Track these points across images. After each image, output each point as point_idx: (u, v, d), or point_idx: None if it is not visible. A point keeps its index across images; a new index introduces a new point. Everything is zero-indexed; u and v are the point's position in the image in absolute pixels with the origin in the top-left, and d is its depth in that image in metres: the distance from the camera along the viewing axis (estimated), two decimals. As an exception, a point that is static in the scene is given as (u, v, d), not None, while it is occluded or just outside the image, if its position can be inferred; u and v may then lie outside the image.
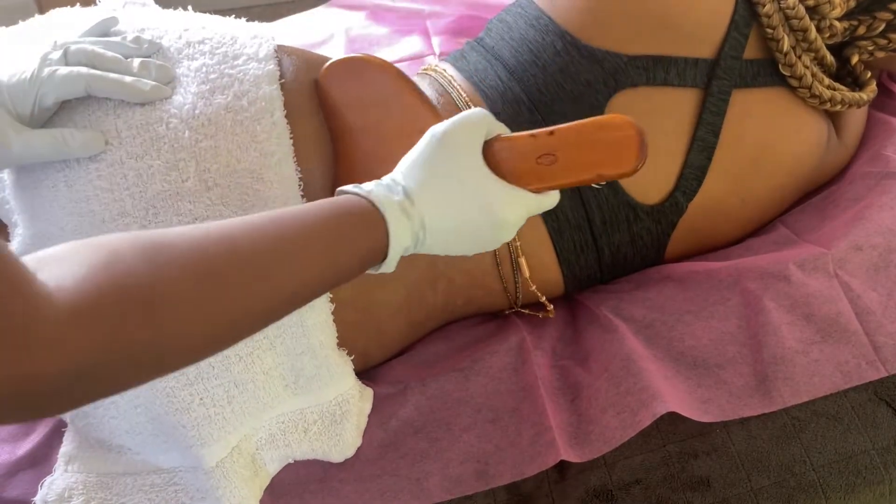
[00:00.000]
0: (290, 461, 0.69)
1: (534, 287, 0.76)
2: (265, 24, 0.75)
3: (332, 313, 0.66)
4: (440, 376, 0.73)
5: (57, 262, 0.37)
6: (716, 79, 0.76)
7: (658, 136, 0.75)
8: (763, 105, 0.79)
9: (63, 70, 0.60)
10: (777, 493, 0.66)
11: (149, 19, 0.70)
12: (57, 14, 0.71)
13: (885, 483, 0.67)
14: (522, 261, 0.75)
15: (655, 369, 0.69)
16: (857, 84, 0.86)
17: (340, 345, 0.68)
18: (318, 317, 0.65)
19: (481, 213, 0.55)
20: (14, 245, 0.62)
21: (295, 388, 0.66)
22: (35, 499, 0.63)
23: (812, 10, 0.80)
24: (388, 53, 1.12)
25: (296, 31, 1.17)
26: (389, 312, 0.72)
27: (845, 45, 0.85)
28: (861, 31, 0.83)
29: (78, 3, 0.75)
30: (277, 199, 0.63)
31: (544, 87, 0.75)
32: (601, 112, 0.74)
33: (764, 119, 0.78)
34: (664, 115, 0.76)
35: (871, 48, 0.84)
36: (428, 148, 0.55)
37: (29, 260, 0.37)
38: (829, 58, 0.82)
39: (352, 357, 0.69)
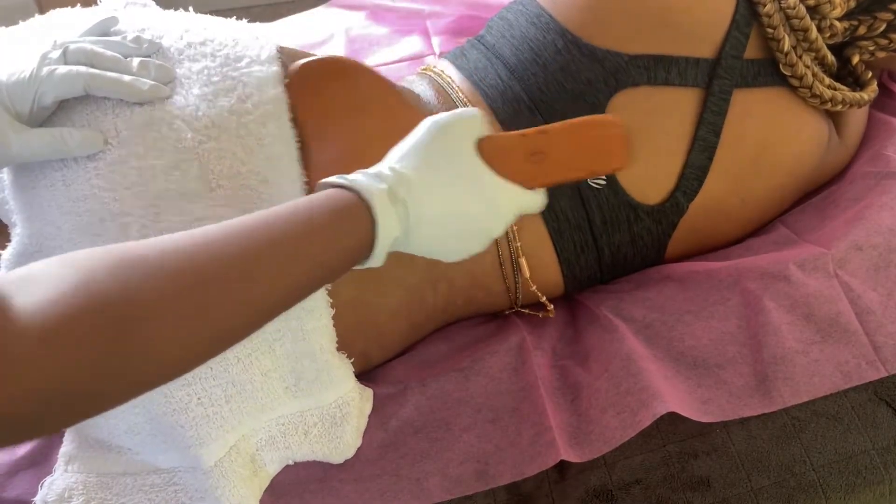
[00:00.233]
0: (291, 462, 0.69)
1: (534, 287, 0.76)
2: (266, 25, 0.75)
3: (332, 318, 0.66)
4: (440, 376, 0.72)
5: (34, 284, 0.37)
6: (717, 78, 0.76)
7: (659, 135, 0.75)
8: (764, 105, 0.79)
9: (62, 69, 0.59)
10: (777, 493, 0.66)
11: (149, 20, 0.70)
12: (57, 14, 0.71)
13: (885, 483, 0.67)
14: (523, 261, 0.75)
15: (655, 369, 0.69)
16: (857, 84, 0.86)
17: (340, 347, 0.67)
18: (317, 321, 0.64)
19: (476, 200, 0.55)
20: (13, 245, 0.62)
21: (295, 390, 0.66)
22: (35, 499, 0.63)
23: (812, 10, 0.80)
24: (388, 53, 1.12)
25: (296, 31, 1.17)
26: (390, 314, 0.72)
27: (846, 45, 0.85)
28: (862, 31, 0.83)
29: (78, 3, 0.75)
30: (283, 201, 0.63)
31: (545, 85, 0.75)
32: (602, 111, 0.74)
33: (765, 119, 0.78)
34: (665, 114, 0.75)
35: (871, 48, 0.84)
36: (427, 135, 0.55)
37: (8, 282, 0.37)
38: (830, 58, 0.82)
39: (352, 359, 0.69)
